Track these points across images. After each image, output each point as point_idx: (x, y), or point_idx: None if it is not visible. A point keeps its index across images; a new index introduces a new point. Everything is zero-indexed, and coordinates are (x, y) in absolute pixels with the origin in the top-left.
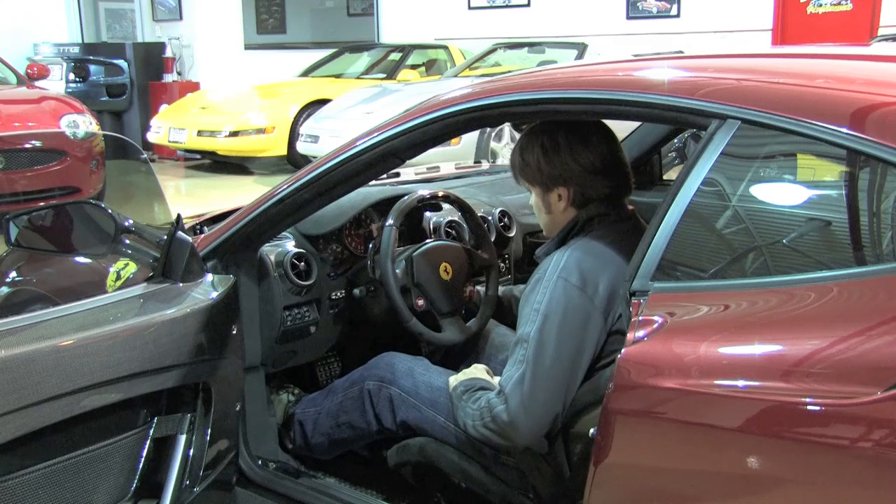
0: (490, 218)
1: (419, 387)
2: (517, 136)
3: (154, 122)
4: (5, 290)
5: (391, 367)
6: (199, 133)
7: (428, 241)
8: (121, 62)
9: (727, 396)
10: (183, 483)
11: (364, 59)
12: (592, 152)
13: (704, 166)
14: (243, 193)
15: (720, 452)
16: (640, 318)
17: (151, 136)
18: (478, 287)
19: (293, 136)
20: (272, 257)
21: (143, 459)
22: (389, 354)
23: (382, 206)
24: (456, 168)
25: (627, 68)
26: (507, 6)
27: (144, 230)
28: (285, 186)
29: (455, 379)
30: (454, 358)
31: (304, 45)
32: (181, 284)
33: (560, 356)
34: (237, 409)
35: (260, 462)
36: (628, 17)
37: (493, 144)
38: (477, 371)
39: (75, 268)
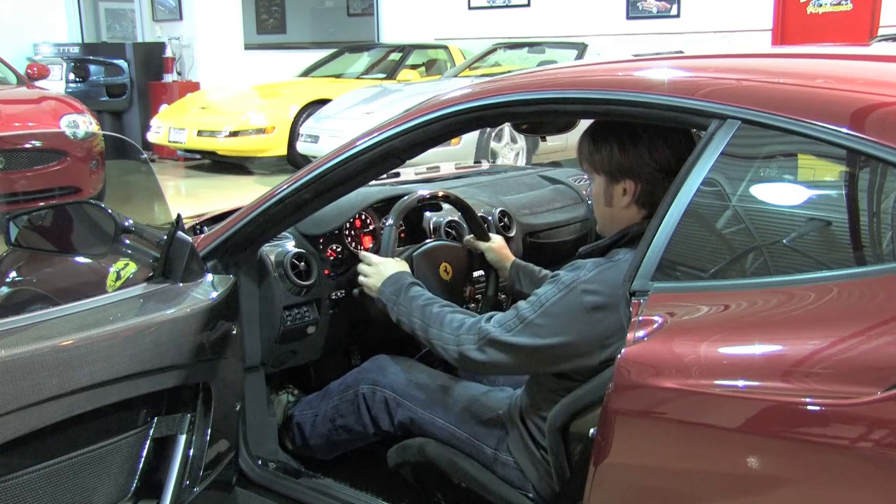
0: (490, 218)
1: (413, 388)
2: (517, 136)
3: (154, 122)
4: (5, 290)
5: (384, 369)
6: (199, 133)
7: (428, 241)
8: (121, 62)
9: (727, 396)
10: (183, 483)
11: (364, 59)
12: (671, 150)
13: (704, 166)
14: (243, 193)
15: (720, 452)
16: (640, 318)
17: (151, 136)
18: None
19: (293, 136)
20: (272, 257)
21: (143, 459)
22: (381, 357)
23: (382, 206)
24: (456, 168)
25: (627, 68)
26: (507, 6)
27: (144, 230)
28: (285, 186)
29: (381, 276)
30: None
31: (304, 45)
32: (181, 284)
33: (539, 347)
34: (237, 409)
35: (260, 462)
36: (628, 17)
37: (493, 144)
38: (399, 265)
39: (75, 268)
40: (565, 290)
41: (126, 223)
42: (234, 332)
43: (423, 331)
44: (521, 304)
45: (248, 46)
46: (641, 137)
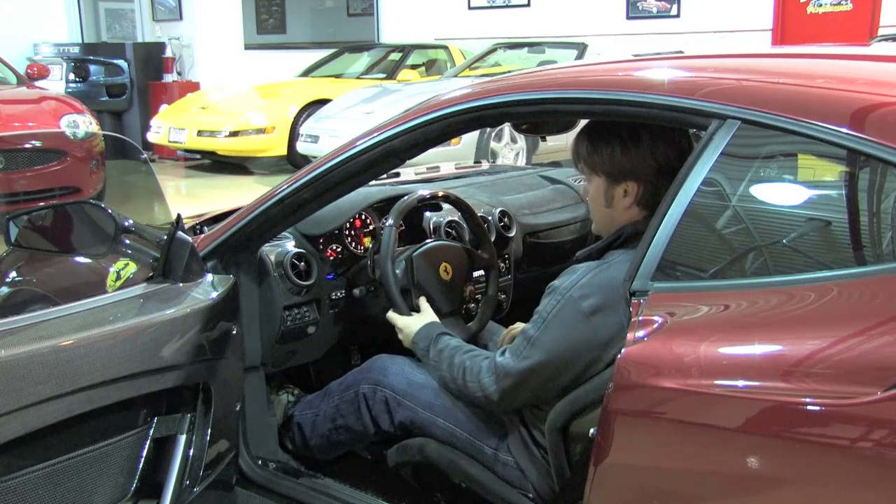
0: (490, 218)
1: (414, 388)
2: (517, 136)
3: (154, 122)
4: (5, 290)
5: (384, 369)
6: (199, 133)
7: (428, 241)
8: (121, 62)
9: (727, 396)
10: (183, 483)
11: (364, 59)
12: (673, 149)
13: (704, 166)
14: (243, 193)
15: (720, 453)
16: (640, 318)
17: (151, 136)
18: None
19: (293, 136)
20: (272, 257)
21: (143, 459)
22: (382, 357)
23: (382, 206)
24: (456, 168)
25: (627, 68)
26: (507, 6)
27: (144, 230)
28: (285, 186)
29: (411, 333)
30: None
31: (304, 45)
32: (181, 284)
33: (550, 361)
34: (237, 409)
35: (260, 462)
36: (628, 17)
37: (493, 144)
38: (425, 317)
39: (75, 268)
40: (561, 299)
41: (126, 223)
42: (234, 332)
43: (452, 383)
44: (526, 326)
45: (248, 46)
46: (642, 138)
